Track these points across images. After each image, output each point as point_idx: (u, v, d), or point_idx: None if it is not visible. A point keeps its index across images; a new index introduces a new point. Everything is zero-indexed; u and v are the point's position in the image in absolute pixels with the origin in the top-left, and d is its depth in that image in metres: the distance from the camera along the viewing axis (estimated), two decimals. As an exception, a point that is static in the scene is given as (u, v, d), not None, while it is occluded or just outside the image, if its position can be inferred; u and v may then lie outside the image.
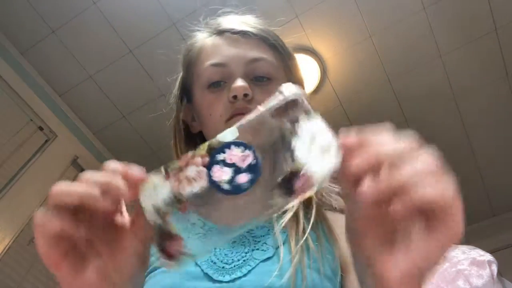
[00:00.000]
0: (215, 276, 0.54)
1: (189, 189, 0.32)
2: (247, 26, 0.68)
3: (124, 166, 0.34)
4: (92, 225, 0.34)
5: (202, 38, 0.71)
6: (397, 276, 0.29)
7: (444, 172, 0.30)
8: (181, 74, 0.76)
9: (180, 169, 0.32)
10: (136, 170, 0.34)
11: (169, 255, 0.32)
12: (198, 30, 0.74)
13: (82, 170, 2.15)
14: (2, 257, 1.55)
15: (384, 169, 0.29)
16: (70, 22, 1.95)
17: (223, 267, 0.55)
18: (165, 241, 0.32)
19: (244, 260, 0.55)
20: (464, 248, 0.98)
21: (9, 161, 1.76)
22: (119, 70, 2.10)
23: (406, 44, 2.05)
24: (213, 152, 0.32)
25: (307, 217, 0.60)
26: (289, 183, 0.30)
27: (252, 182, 0.31)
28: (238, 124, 0.33)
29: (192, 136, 0.71)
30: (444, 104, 2.26)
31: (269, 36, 0.69)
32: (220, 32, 0.69)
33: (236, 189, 0.31)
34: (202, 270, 0.55)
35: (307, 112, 0.31)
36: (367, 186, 0.29)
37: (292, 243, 0.55)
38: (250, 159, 0.31)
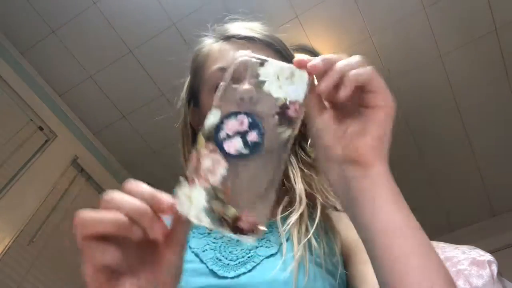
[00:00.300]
0: (220, 273, 0.55)
1: (216, 176, 0.34)
2: (253, 32, 0.71)
3: (152, 193, 0.34)
4: (127, 247, 0.34)
5: (209, 43, 0.73)
6: (367, 149, 0.39)
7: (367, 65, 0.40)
8: (188, 78, 0.79)
9: (196, 169, 0.34)
10: (165, 199, 0.34)
11: (245, 232, 0.33)
12: (206, 36, 0.77)
13: (82, 170, 2.15)
14: (2, 257, 1.55)
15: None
16: (70, 22, 1.95)
17: (228, 264, 0.56)
18: (235, 226, 0.33)
19: (248, 257, 0.56)
20: (464, 248, 0.98)
21: (9, 161, 1.76)
22: (119, 70, 2.10)
23: (406, 44, 2.05)
24: (213, 135, 0.35)
25: (312, 217, 0.62)
26: (283, 116, 0.35)
27: (261, 134, 0.35)
28: (215, 103, 0.36)
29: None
30: (444, 104, 2.26)
31: (274, 41, 0.71)
32: (227, 38, 0.71)
33: (255, 148, 0.34)
34: (208, 267, 0.56)
35: (262, 64, 0.37)
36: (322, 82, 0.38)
37: (295, 240, 0.56)
38: (245, 120, 0.35)
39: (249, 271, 0.55)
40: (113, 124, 2.29)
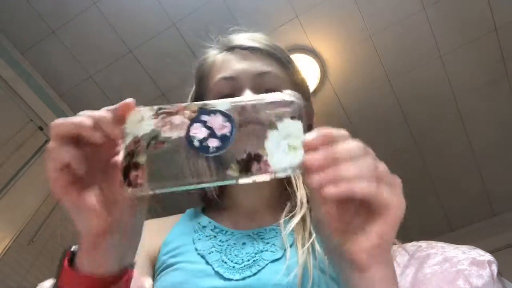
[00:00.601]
0: (225, 275, 0.56)
1: (168, 133, 0.35)
2: (255, 42, 0.72)
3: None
4: (92, 159, 0.38)
5: (214, 54, 0.76)
6: (363, 256, 0.37)
7: (386, 175, 0.38)
8: (193, 88, 0.81)
9: (170, 114, 0.35)
10: (128, 99, 0.37)
11: (129, 183, 0.35)
12: (210, 47, 0.79)
13: (82, 170, 2.15)
14: (2, 257, 1.55)
15: (334, 169, 0.35)
16: (70, 22, 1.95)
17: (233, 267, 0.57)
18: (131, 169, 0.35)
19: (254, 260, 0.57)
20: (464, 248, 0.98)
21: (9, 161, 1.76)
22: (119, 70, 2.10)
23: (406, 44, 2.05)
24: (201, 111, 0.35)
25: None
26: (248, 163, 0.34)
27: (218, 149, 0.34)
28: (234, 100, 0.36)
29: None
30: (444, 104, 2.26)
31: (276, 51, 0.73)
32: (231, 48, 0.73)
33: (202, 149, 0.34)
34: (213, 269, 0.57)
35: (294, 117, 0.35)
36: (323, 187, 0.35)
37: (299, 245, 0.57)
38: (226, 130, 0.35)
39: (254, 274, 0.56)
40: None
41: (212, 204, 0.72)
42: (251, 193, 0.69)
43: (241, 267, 0.57)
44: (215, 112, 0.35)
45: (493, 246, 2.27)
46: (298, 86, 0.74)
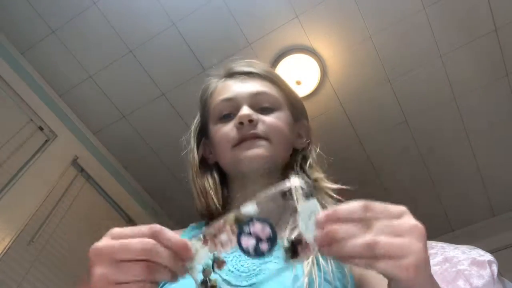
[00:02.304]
0: (233, 282, 0.58)
1: (223, 252, 0.42)
2: (252, 67, 0.80)
3: (172, 238, 0.41)
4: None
5: (215, 81, 0.82)
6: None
7: (381, 243, 0.40)
8: (198, 115, 0.86)
9: (215, 236, 0.42)
10: (184, 247, 0.41)
11: None
12: (211, 77, 0.85)
13: (82, 170, 2.15)
14: (2, 257, 1.55)
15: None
16: (70, 22, 1.95)
17: (240, 275, 0.59)
18: None
19: (260, 269, 0.60)
20: (464, 248, 0.98)
21: (9, 161, 1.76)
22: (119, 70, 2.10)
23: (406, 44, 2.05)
24: (240, 224, 0.42)
25: None
26: (294, 247, 0.42)
27: (270, 250, 0.41)
28: (256, 200, 0.43)
29: (208, 167, 0.80)
30: (444, 104, 2.26)
31: (271, 75, 0.80)
32: (231, 75, 0.80)
33: (259, 254, 0.41)
34: (221, 276, 0.58)
35: (307, 195, 0.42)
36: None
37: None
38: (268, 232, 0.41)
39: (261, 282, 0.58)
40: (113, 124, 2.29)
41: (215, 217, 0.73)
42: None
43: (248, 275, 0.59)
44: (251, 221, 0.42)
45: (493, 246, 2.27)
46: (294, 105, 0.81)
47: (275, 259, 0.61)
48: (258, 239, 0.41)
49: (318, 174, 0.73)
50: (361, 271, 0.63)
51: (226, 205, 0.75)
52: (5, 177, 1.72)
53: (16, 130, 1.86)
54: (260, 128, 0.71)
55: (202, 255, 0.42)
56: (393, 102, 2.26)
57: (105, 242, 0.42)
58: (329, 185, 0.72)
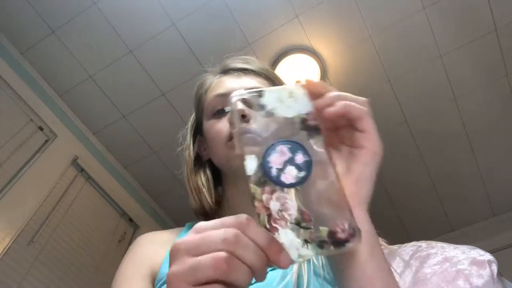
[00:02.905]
0: None
1: (289, 210, 0.35)
2: (246, 64, 0.79)
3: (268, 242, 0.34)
4: None
5: (210, 78, 0.82)
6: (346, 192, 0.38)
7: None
8: (193, 113, 0.85)
9: (270, 216, 0.35)
10: (274, 244, 0.34)
11: (347, 240, 0.35)
12: (206, 73, 0.85)
13: (82, 170, 2.15)
14: (2, 257, 1.55)
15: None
16: (70, 22, 1.95)
17: None
18: (335, 241, 0.35)
19: None
20: (464, 248, 0.98)
21: (9, 161, 1.76)
22: (119, 70, 2.10)
23: (406, 44, 2.05)
24: (267, 177, 0.36)
25: None
26: (308, 128, 0.38)
27: (306, 152, 0.37)
28: (242, 154, 0.36)
29: (202, 164, 0.79)
30: (444, 104, 2.26)
31: (265, 71, 0.79)
32: (226, 71, 0.80)
33: (308, 166, 0.36)
34: None
35: (260, 95, 0.39)
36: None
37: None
38: (284, 148, 0.37)
39: (254, 281, 0.56)
40: (113, 124, 2.29)
41: (210, 215, 0.73)
42: (248, 206, 0.70)
43: None
44: (267, 165, 0.36)
45: (493, 246, 2.27)
46: None
47: None
48: (290, 162, 0.36)
49: None
50: None
51: (220, 202, 0.74)
52: (5, 177, 1.72)
53: (16, 130, 1.86)
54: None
55: (287, 240, 0.34)
56: (393, 102, 2.26)
57: (186, 237, 0.35)
58: None
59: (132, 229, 2.38)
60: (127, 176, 2.49)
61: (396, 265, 1.01)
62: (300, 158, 0.36)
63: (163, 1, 1.91)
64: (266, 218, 0.35)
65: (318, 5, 1.93)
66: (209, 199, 0.73)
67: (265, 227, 0.34)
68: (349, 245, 0.35)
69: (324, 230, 0.35)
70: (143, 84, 2.15)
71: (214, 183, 0.77)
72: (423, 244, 1.04)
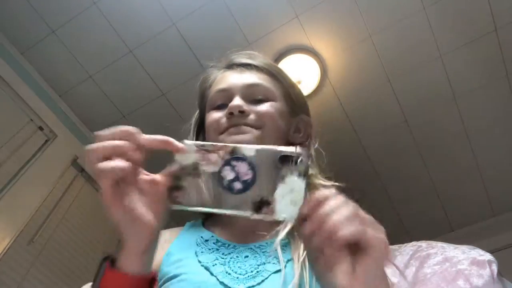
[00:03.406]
0: (230, 284, 0.57)
1: (205, 167, 0.45)
2: (250, 59, 0.80)
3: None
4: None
5: (214, 72, 0.83)
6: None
7: (371, 221, 0.43)
8: (198, 108, 0.86)
9: (208, 151, 0.45)
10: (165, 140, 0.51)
11: (170, 200, 0.45)
12: (213, 66, 0.86)
13: (82, 170, 2.15)
14: (2, 257, 1.55)
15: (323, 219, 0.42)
16: (70, 22, 1.95)
17: (237, 278, 0.59)
18: (173, 190, 0.46)
19: (257, 271, 0.59)
20: (464, 248, 0.98)
21: (9, 161, 1.76)
22: (119, 70, 2.10)
23: (406, 44, 2.05)
24: (232, 156, 0.44)
25: None
26: (260, 205, 0.43)
27: (239, 191, 0.43)
28: (259, 147, 0.45)
29: None
30: (444, 104, 2.26)
31: (269, 67, 0.79)
32: (229, 66, 0.81)
33: (229, 188, 0.44)
34: (218, 279, 0.58)
35: (300, 175, 0.43)
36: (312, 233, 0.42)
37: (296, 259, 0.60)
38: (249, 177, 0.43)
39: (259, 284, 0.57)
40: (113, 124, 2.27)
41: (211, 217, 0.74)
42: None
43: (245, 277, 0.58)
44: (243, 159, 0.44)
45: (493, 246, 2.27)
46: (293, 99, 0.80)
47: (273, 260, 0.61)
48: (237, 177, 0.44)
49: (312, 170, 0.72)
50: None
51: None
52: (5, 177, 1.72)
53: (16, 130, 1.86)
54: (251, 118, 0.71)
55: (188, 158, 0.45)
56: (393, 102, 2.26)
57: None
58: (322, 181, 0.71)
59: (132, 229, 2.38)
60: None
61: (396, 265, 1.01)
62: (237, 185, 0.44)
63: (163, 1, 1.91)
64: (208, 149, 0.46)
65: (318, 5, 1.93)
66: None
67: (201, 146, 0.47)
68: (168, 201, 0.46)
69: (182, 182, 0.46)
70: (143, 84, 2.15)
71: None
72: (423, 244, 1.04)
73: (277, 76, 0.79)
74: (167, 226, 0.77)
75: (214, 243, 0.66)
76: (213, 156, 0.45)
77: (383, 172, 2.50)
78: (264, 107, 0.72)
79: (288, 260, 0.60)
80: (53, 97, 2.15)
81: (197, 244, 0.67)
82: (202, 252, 0.64)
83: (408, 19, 1.97)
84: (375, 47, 2.07)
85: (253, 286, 0.57)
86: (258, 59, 0.80)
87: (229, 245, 0.65)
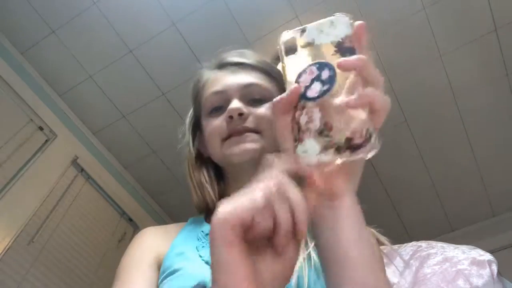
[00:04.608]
0: None
1: (315, 121, 0.39)
2: (243, 58, 0.78)
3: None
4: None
5: (206, 73, 0.81)
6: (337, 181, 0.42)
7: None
8: (192, 108, 0.85)
9: (299, 129, 0.40)
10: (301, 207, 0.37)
11: (363, 145, 0.39)
12: (205, 67, 0.83)
13: (82, 170, 2.15)
14: (2, 257, 1.55)
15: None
16: (70, 22, 1.95)
17: None
18: (352, 146, 0.38)
19: None
20: (464, 248, 0.98)
21: (9, 161, 1.76)
22: (119, 70, 2.10)
23: (406, 44, 2.05)
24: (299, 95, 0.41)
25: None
26: (342, 49, 0.41)
27: (331, 68, 0.40)
28: (288, 82, 0.42)
29: (204, 160, 0.78)
30: (444, 104, 2.26)
31: (263, 65, 0.78)
32: (222, 66, 0.78)
33: (331, 80, 0.40)
34: None
35: (303, 31, 0.45)
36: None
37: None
38: (313, 68, 0.41)
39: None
40: (113, 124, 2.29)
41: (212, 211, 0.73)
42: None
43: None
44: (299, 84, 0.41)
45: (493, 246, 2.27)
46: None
47: None
48: (317, 79, 0.41)
49: None
50: None
51: (223, 197, 0.75)
52: (5, 177, 1.72)
53: (16, 130, 1.86)
54: (250, 121, 0.69)
55: (310, 147, 0.39)
56: (393, 102, 2.24)
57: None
58: None
59: (132, 229, 2.38)
60: (127, 176, 2.49)
61: (396, 265, 1.01)
62: (325, 73, 0.40)
63: (163, 1, 1.91)
64: (296, 131, 0.40)
65: (318, 5, 1.93)
66: (212, 195, 0.73)
67: (295, 139, 0.40)
68: (366, 150, 0.38)
69: (342, 137, 0.38)
70: (143, 84, 2.15)
71: (216, 178, 0.76)
72: (423, 244, 1.04)
73: (271, 73, 0.77)
74: (175, 222, 0.77)
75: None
76: (303, 118, 0.41)
77: (383, 172, 2.50)
78: (263, 109, 0.71)
79: None
80: (53, 97, 2.15)
81: (198, 239, 0.67)
82: (203, 246, 0.65)
83: (408, 19, 1.97)
84: (375, 47, 2.07)
85: None
86: (251, 57, 0.78)
87: None
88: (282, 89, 0.77)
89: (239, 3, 1.92)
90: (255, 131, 0.69)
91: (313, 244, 0.61)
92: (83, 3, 1.90)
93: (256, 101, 0.72)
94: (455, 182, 2.56)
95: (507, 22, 1.98)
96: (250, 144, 0.68)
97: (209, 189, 0.73)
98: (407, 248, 1.04)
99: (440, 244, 1.03)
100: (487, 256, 0.91)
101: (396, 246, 1.06)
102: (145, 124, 2.29)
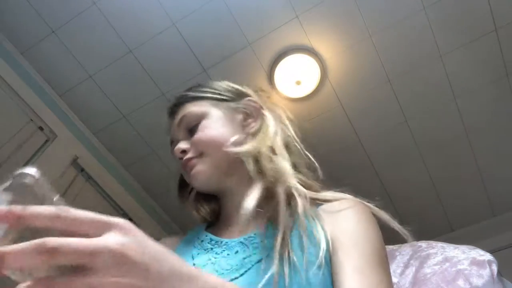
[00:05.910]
0: None
1: None
2: (175, 100, 0.84)
3: None
4: None
5: (167, 119, 0.87)
6: None
7: None
8: None
9: None
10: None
11: None
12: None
13: (82, 170, 2.15)
14: (2, 257, 1.55)
15: None
16: (70, 22, 1.95)
17: (222, 273, 0.62)
18: None
19: (242, 264, 0.63)
20: (464, 248, 0.98)
21: (9, 161, 1.76)
22: (119, 70, 2.10)
23: (406, 44, 2.05)
24: None
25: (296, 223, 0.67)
26: None
27: None
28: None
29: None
30: (444, 104, 2.26)
31: (189, 92, 0.84)
32: (168, 115, 0.86)
33: None
34: None
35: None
36: None
37: (276, 253, 0.61)
38: None
39: (241, 275, 0.61)
40: (113, 124, 2.29)
41: (212, 224, 0.81)
42: (237, 215, 0.72)
43: (230, 271, 0.62)
44: None
45: (493, 246, 2.27)
46: (224, 97, 0.83)
47: (255, 251, 0.64)
48: None
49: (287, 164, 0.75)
50: (333, 240, 0.64)
51: (218, 209, 0.82)
52: (5, 177, 1.72)
53: (16, 130, 1.86)
54: (193, 150, 0.75)
55: None
56: (393, 102, 2.26)
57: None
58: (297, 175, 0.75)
59: (132, 229, 2.38)
60: (127, 176, 2.49)
61: (396, 265, 1.01)
62: None
63: (163, 1, 1.91)
64: None
65: (318, 5, 1.93)
66: (208, 211, 0.81)
67: None
68: None
69: None
70: (143, 84, 2.15)
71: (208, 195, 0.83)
72: (423, 244, 1.04)
73: (199, 93, 0.82)
74: (167, 227, 0.82)
75: (208, 242, 0.71)
76: None
77: (383, 172, 2.50)
78: (196, 135, 0.76)
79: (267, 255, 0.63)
80: (53, 97, 2.15)
81: (194, 246, 0.72)
82: (198, 253, 0.69)
83: (408, 19, 1.97)
84: (375, 47, 2.07)
85: (236, 277, 0.60)
86: (180, 93, 0.84)
87: (221, 242, 0.69)
88: (215, 97, 0.81)
89: (239, 3, 1.92)
90: (199, 156, 0.75)
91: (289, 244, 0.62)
92: (83, 3, 1.90)
93: (194, 127, 0.78)
94: (455, 182, 2.56)
95: (507, 22, 1.98)
96: (195, 169, 0.74)
97: (202, 209, 0.82)
98: (407, 248, 1.04)
99: (440, 244, 1.03)
100: (487, 256, 0.90)
101: (396, 246, 1.06)
102: (145, 124, 2.29)
